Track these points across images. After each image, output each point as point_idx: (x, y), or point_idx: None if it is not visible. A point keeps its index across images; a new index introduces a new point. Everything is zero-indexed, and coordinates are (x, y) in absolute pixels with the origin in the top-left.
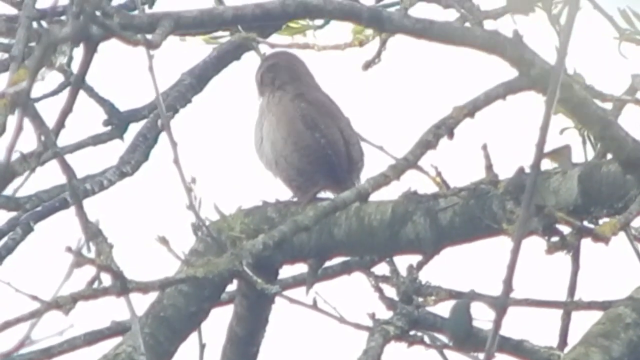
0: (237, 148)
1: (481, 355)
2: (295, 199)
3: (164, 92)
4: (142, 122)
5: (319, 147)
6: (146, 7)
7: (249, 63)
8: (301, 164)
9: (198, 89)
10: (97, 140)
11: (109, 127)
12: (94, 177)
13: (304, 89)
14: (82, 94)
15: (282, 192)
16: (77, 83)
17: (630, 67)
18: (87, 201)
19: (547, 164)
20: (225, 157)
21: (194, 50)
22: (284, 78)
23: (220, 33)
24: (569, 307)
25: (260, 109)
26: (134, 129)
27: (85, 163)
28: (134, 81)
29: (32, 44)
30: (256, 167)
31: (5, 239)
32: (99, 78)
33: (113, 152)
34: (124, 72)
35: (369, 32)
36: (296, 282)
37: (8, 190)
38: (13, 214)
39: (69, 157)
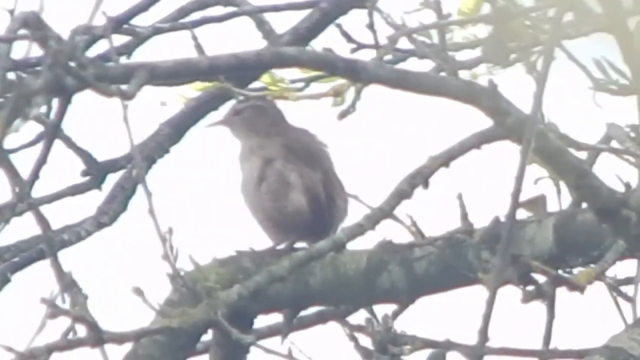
0: (214, 198)
1: None
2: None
3: (142, 142)
4: (120, 173)
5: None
6: (124, 57)
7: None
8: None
9: (176, 139)
10: (75, 190)
11: (87, 178)
12: (71, 228)
13: (288, 136)
14: (61, 145)
15: (260, 242)
16: (51, 134)
17: (604, 116)
18: (65, 252)
19: (522, 214)
20: (203, 208)
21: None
22: (268, 122)
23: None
24: (544, 355)
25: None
26: (112, 179)
27: (64, 213)
28: (114, 131)
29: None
30: (233, 218)
31: None
32: (78, 129)
33: (91, 202)
34: (103, 123)
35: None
36: (271, 331)
37: None
38: None
39: (47, 208)
